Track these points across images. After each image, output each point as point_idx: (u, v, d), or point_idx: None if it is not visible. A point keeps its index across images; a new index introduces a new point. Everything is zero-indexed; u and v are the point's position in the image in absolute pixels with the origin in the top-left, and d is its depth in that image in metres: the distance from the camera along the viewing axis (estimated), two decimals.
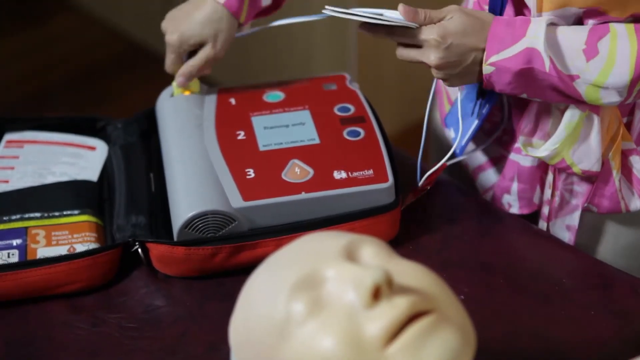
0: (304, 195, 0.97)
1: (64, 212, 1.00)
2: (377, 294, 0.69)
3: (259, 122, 1.05)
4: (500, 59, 0.91)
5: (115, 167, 1.07)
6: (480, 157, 1.12)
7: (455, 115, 1.06)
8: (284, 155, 1.00)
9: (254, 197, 0.96)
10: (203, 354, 0.88)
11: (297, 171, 0.99)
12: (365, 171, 0.99)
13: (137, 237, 0.97)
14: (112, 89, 2.41)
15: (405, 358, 0.67)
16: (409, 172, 1.07)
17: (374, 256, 0.74)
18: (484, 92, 1.01)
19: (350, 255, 0.73)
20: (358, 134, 1.03)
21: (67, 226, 0.98)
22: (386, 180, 0.98)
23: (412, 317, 0.68)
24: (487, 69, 0.92)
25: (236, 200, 0.96)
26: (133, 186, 1.04)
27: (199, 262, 0.95)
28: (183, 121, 1.06)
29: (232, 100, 1.09)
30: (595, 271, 0.95)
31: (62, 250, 0.96)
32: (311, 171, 0.99)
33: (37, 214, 0.99)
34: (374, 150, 1.01)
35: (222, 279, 0.96)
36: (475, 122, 1.04)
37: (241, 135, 1.03)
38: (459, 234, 1.00)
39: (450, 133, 1.10)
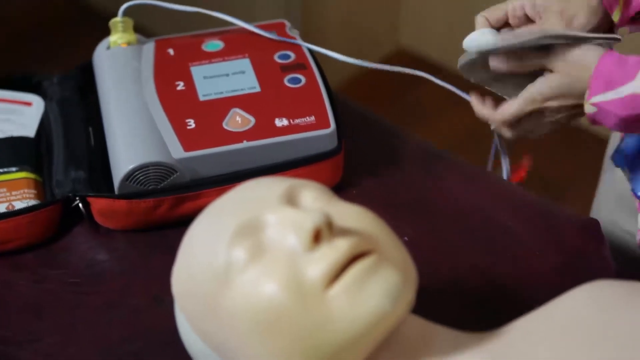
0: (245, 144, 0.96)
1: (1, 170, 0.98)
2: (317, 237, 0.69)
3: (199, 72, 1.04)
4: (602, 101, 0.82)
5: (53, 122, 1.05)
6: None
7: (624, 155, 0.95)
8: (224, 105, 0.99)
9: (195, 147, 0.95)
10: (147, 306, 0.88)
11: (238, 120, 0.98)
12: (307, 118, 0.98)
13: (77, 192, 0.95)
14: (53, 47, 2.36)
15: (347, 299, 0.67)
16: (351, 117, 1.06)
17: (314, 200, 0.73)
18: None
19: (290, 200, 0.73)
20: (299, 81, 1.02)
21: (5, 184, 0.96)
22: (328, 126, 0.98)
23: (354, 258, 0.68)
24: (589, 108, 0.83)
25: (177, 151, 0.94)
26: (71, 141, 1.02)
27: (141, 214, 0.94)
28: (121, 74, 1.04)
29: (171, 51, 1.07)
30: (541, 211, 0.95)
31: (0, 208, 0.94)
32: (252, 120, 0.98)
33: None
34: (315, 96, 1.00)
35: (165, 231, 0.95)
36: None
37: (180, 85, 1.02)
38: (403, 177, 1.01)
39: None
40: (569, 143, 1.95)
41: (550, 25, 0.87)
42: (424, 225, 0.95)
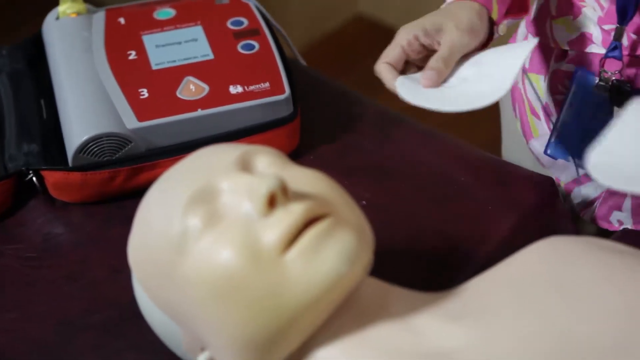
0: (200, 112, 0.95)
1: None
2: (272, 202, 0.68)
3: (151, 40, 1.03)
4: None
5: (3, 95, 1.03)
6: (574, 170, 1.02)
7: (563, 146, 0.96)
8: (177, 73, 0.98)
9: (149, 117, 0.94)
10: (106, 278, 0.87)
11: (192, 88, 0.97)
12: (262, 84, 0.97)
13: (30, 165, 0.94)
14: (4, 21, 2.32)
15: (303, 263, 0.67)
16: (309, 83, 1.06)
17: (269, 165, 0.73)
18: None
19: (245, 166, 0.73)
20: (252, 47, 1.02)
21: None
22: (283, 92, 0.97)
23: (309, 222, 0.68)
24: None
25: (131, 121, 0.93)
26: (23, 114, 1.00)
27: (97, 186, 0.93)
28: (71, 44, 1.03)
29: (121, 20, 1.06)
30: (492, 168, 0.96)
31: None
32: (206, 87, 0.97)
33: None
34: (269, 62, 1.00)
35: (122, 202, 0.94)
36: None
37: (132, 55, 1.01)
38: (359, 141, 1.01)
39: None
40: None
41: (451, 40, 0.86)
42: (381, 188, 0.95)
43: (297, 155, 0.98)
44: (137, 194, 0.92)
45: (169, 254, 0.70)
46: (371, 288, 0.72)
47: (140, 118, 0.94)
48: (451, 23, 0.86)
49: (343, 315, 0.70)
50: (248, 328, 0.67)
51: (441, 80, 0.86)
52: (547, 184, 0.94)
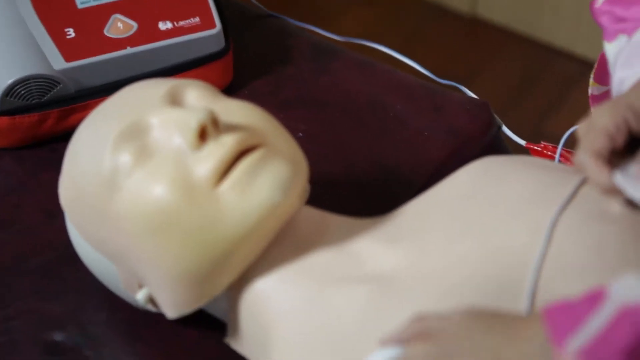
0: (129, 50, 0.93)
1: None
2: (203, 135, 0.68)
3: None
4: (588, 342, 0.55)
5: None
6: None
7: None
8: (104, 11, 0.96)
9: (77, 57, 0.92)
10: (41, 222, 0.86)
11: (119, 26, 0.95)
12: (191, 19, 0.96)
13: None
14: None
15: (237, 194, 0.67)
16: (242, 16, 1.04)
17: (198, 98, 0.72)
18: None
19: (174, 100, 0.72)
20: None
21: None
22: (213, 26, 0.95)
23: (241, 154, 0.68)
24: None
25: (58, 62, 0.91)
26: None
27: (27, 130, 0.91)
28: None
29: None
30: (427, 95, 0.96)
31: None
32: (135, 25, 0.95)
33: None
34: None
35: (54, 145, 0.93)
36: None
37: None
38: (293, 73, 1.00)
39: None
40: None
41: None
42: (317, 120, 0.95)
43: (232, 90, 0.97)
44: (69, 136, 0.90)
45: (100, 192, 0.69)
46: (308, 217, 0.72)
47: (67, 58, 0.91)
48: None
49: (281, 244, 0.70)
50: (184, 262, 0.67)
51: None
52: (482, 109, 0.94)
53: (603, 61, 0.83)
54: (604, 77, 0.82)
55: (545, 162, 0.72)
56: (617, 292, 0.55)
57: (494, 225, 0.66)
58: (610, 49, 0.74)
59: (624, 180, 0.64)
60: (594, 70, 0.85)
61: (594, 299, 0.55)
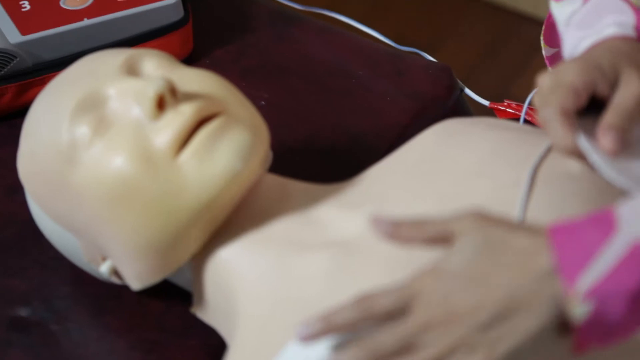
0: (86, 22, 0.92)
1: None
2: (161, 104, 0.67)
3: None
4: (598, 281, 0.53)
5: None
6: None
7: None
8: None
9: (33, 29, 0.90)
10: (1, 198, 0.85)
11: None
12: None
13: None
14: None
15: (197, 163, 0.66)
16: None
17: (156, 68, 0.72)
18: None
19: (131, 70, 0.71)
20: None
21: None
22: None
23: (201, 122, 0.67)
24: (580, 311, 0.53)
25: (13, 35, 0.90)
26: None
27: None
28: None
29: None
30: (389, 59, 0.96)
31: None
32: None
33: None
34: None
35: (13, 121, 0.91)
36: None
37: None
38: (254, 42, 0.99)
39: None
40: None
41: (635, 91, 0.63)
42: (279, 88, 0.94)
43: (193, 60, 0.96)
44: (28, 111, 0.90)
45: (59, 165, 0.68)
46: (270, 184, 0.72)
47: (23, 31, 0.90)
48: (633, 69, 0.64)
49: (243, 213, 0.70)
50: (146, 233, 0.66)
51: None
52: (444, 72, 0.94)
53: (550, 23, 0.83)
54: (553, 38, 0.82)
55: (508, 122, 0.72)
56: (628, 223, 0.53)
57: (456, 189, 0.66)
58: (558, 9, 0.74)
59: (588, 144, 0.62)
60: (542, 32, 0.85)
61: (600, 223, 0.54)
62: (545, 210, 0.63)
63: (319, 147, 0.89)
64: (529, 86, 1.77)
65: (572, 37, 0.71)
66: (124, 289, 0.75)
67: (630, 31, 0.67)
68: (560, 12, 0.73)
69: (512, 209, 0.63)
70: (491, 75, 1.82)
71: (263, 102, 0.92)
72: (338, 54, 0.98)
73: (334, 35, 1.00)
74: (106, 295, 0.77)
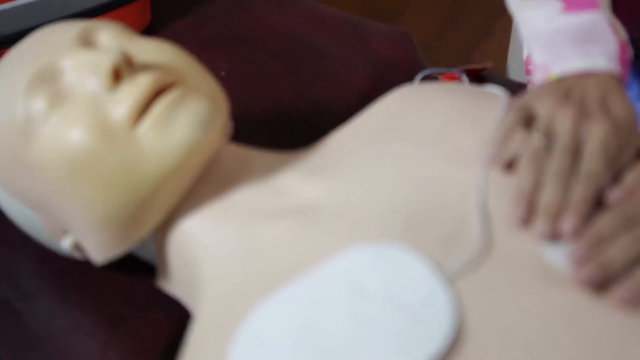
0: None
1: None
2: (117, 76, 0.66)
3: None
4: None
5: None
6: None
7: None
8: None
9: None
10: None
11: None
12: None
13: None
14: None
15: (155, 134, 0.65)
16: None
17: (112, 39, 0.70)
18: None
19: (86, 42, 0.70)
20: None
21: None
22: None
23: (158, 93, 0.67)
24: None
25: None
26: None
27: None
28: None
29: None
30: (349, 27, 0.95)
31: None
32: None
33: None
34: None
35: None
36: None
37: None
38: (214, 12, 0.98)
39: None
40: None
41: None
42: (240, 58, 0.94)
43: (151, 31, 0.95)
44: None
45: (16, 140, 0.67)
46: (231, 154, 0.72)
47: None
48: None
49: (205, 183, 0.70)
50: (106, 206, 0.66)
51: None
52: (403, 38, 0.94)
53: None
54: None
55: (465, 87, 0.72)
56: None
57: (415, 155, 0.65)
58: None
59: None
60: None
61: None
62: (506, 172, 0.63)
63: (282, 115, 0.88)
64: (491, 51, 1.77)
65: (550, 39, 0.71)
66: (91, 265, 0.75)
67: (615, 64, 0.69)
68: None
69: (474, 172, 0.63)
70: (454, 42, 1.82)
71: (224, 73, 0.91)
72: (297, 22, 0.97)
73: (293, 4, 0.99)
74: (72, 272, 0.77)
